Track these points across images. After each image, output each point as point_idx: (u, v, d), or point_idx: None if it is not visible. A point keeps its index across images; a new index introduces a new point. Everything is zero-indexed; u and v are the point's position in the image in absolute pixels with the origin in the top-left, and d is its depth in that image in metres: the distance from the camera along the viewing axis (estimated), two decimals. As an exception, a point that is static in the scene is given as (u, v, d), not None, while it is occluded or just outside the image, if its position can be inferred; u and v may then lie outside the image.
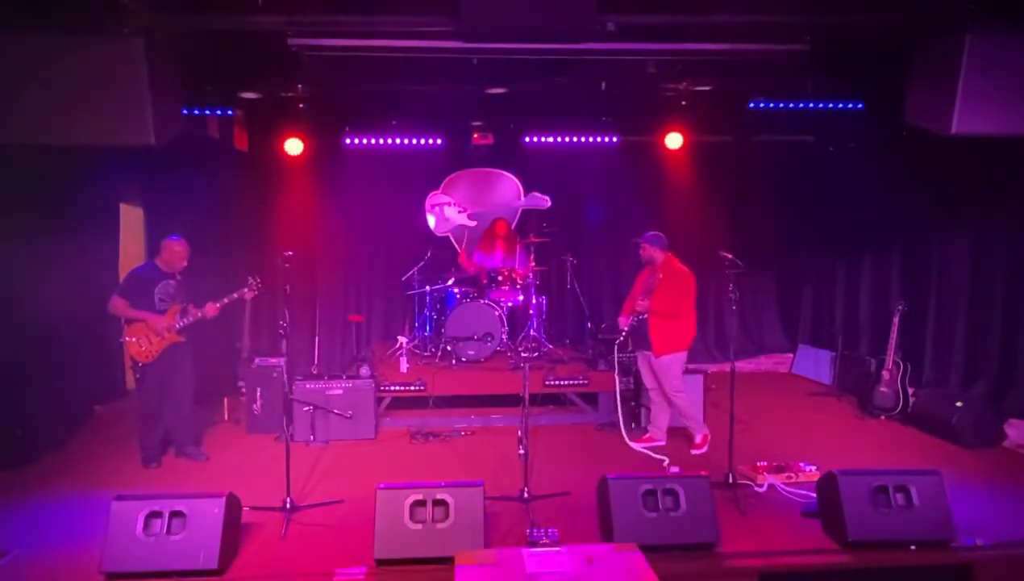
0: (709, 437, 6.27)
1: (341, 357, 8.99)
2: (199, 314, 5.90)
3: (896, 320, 7.19)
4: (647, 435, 6.52)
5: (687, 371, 6.49)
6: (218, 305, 5.95)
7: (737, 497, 5.10)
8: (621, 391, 7.37)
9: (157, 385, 5.86)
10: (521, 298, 8.12)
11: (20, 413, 5.94)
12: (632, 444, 6.37)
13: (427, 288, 8.17)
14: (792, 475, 5.44)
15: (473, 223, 9.37)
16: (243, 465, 6.00)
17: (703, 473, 4.62)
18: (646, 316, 6.14)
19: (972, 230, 7.21)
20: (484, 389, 7.23)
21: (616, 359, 6.71)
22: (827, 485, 4.63)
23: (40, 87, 4.64)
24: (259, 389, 6.87)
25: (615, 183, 9.29)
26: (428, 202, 9.39)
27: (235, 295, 6.01)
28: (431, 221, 9.39)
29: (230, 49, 5.96)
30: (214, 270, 7.76)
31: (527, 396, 5.26)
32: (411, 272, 8.34)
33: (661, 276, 6.11)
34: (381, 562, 4.17)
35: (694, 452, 6.22)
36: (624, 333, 6.31)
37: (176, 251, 5.90)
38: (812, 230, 9.42)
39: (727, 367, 5.52)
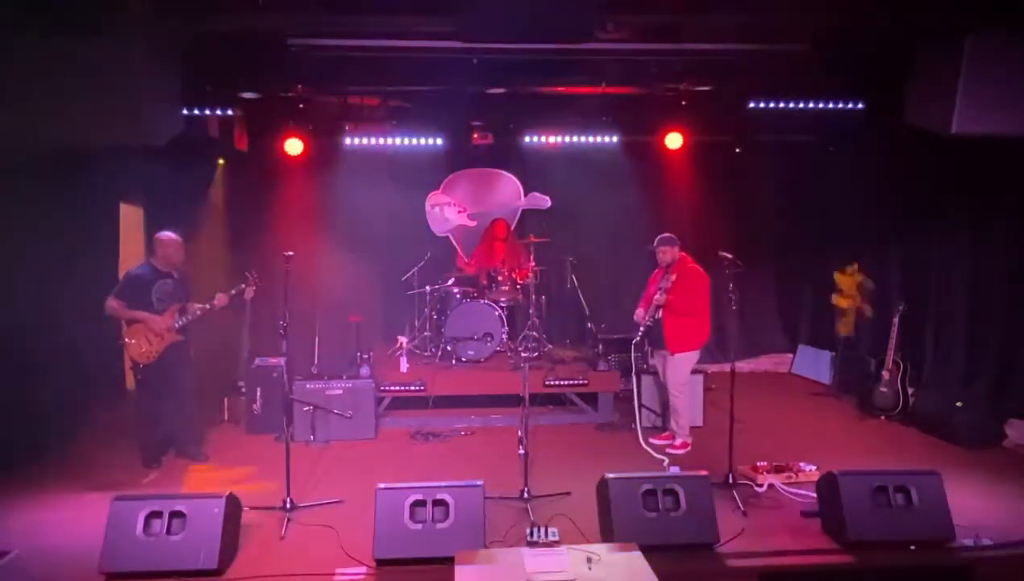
0: (689, 447, 6.28)
1: (341, 357, 8.98)
2: (199, 310, 5.86)
3: (896, 320, 7.18)
4: (666, 433, 6.51)
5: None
6: (227, 296, 5.89)
7: (737, 497, 5.11)
8: (620, 392, 7.38)
9: (157, 385, 5.86)
10: (521, 298, 8.12)
11: (20, 413, 5.93)
12: (648, 442, 6.36)
13: (427, 288, 8.16)
14: (792, 475, 5.45)
15: (473, 223, 9.37)
16: (243, 465, 5.99)
17: (703, 473, 4.62)
18: (660, 315, 6.15)
19: (972, 230, 7.20)
20: (484, 389, 7.22)
21: (633, 358, 6.53)
22: (827, 485, 4.63)
23: (42, 87, 4.65)
24: (259, 389, 6.87)
25: (615, 183, 9.27)
26: (428, 202, 9.39)
27: (242, 286, 5.91)
28: (431, 221, 9.39)
29: (230, 49, 5.96)
30: (214, 270, 7.76)
31: (527, 396, 5.26)
32: (411, 272, 8.34)
33: (675, 276, 6.11)
34: (381, 562, 4.18)
35: (669, 451, 6.22)
36: (642, 330, 6.28)
37: (169, 247, 5.87)
38: (812, 230, 9.41)
39: (727, 367, 5.53)
